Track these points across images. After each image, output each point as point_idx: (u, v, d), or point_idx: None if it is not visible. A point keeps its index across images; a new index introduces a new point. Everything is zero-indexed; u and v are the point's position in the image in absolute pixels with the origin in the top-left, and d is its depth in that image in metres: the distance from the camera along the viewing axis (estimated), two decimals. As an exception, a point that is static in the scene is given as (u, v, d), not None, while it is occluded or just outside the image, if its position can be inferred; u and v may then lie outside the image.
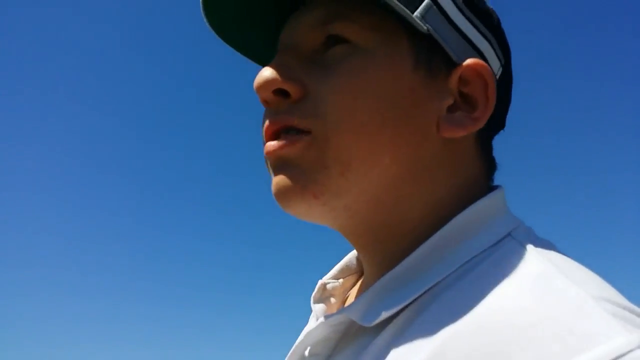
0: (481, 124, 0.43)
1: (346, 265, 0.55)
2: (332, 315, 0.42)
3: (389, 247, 0.44)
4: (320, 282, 0.54)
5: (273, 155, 0.41)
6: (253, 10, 0.47)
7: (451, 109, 0.43)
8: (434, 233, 0.40)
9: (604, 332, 0.28)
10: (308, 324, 0.54)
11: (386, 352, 0.36)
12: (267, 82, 0.40)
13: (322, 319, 0.43)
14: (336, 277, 0.54)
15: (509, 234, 0.41)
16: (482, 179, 0.47)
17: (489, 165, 0.48)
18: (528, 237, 0.40)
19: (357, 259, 0.55)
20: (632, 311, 0.31)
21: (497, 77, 0.46)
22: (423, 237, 0.41)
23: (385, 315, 0.38)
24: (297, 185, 0.40)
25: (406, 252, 0.41)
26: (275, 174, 0.41)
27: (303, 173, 0.40)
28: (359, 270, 0.55)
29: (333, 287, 0.54)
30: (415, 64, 0.41)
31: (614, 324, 0.29)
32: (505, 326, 0.31)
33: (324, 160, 0.39)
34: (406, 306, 0.38)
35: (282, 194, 0.40)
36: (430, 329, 0.35)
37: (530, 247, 0.38)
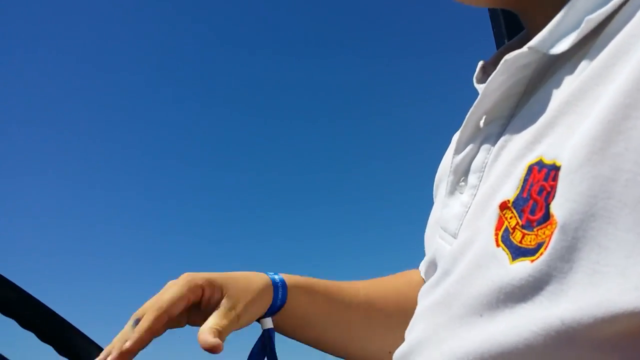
0: None
1: (509, 45, 0.47)
2: (509, 55, 0.35)
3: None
4: (480, 62, 0.48)
5: None
6: None
7: None
8: None
9: None
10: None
11: (592, 75, 0.30)
12: None
13: (498, 67, 0.36)
14: (498, 57, 0.45)
15: None
16: None
17: None
18: None
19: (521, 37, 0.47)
20: None
21: None
22: None
23: (586, 27, 0.31)
24: None
25: None
26: None
27: None
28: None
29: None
30: None
31: None
32: None
33: None
34: (606, 19, 0.31)
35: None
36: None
37: None
